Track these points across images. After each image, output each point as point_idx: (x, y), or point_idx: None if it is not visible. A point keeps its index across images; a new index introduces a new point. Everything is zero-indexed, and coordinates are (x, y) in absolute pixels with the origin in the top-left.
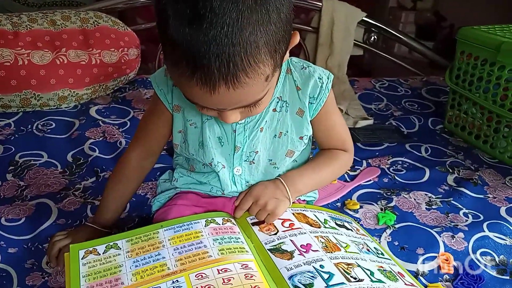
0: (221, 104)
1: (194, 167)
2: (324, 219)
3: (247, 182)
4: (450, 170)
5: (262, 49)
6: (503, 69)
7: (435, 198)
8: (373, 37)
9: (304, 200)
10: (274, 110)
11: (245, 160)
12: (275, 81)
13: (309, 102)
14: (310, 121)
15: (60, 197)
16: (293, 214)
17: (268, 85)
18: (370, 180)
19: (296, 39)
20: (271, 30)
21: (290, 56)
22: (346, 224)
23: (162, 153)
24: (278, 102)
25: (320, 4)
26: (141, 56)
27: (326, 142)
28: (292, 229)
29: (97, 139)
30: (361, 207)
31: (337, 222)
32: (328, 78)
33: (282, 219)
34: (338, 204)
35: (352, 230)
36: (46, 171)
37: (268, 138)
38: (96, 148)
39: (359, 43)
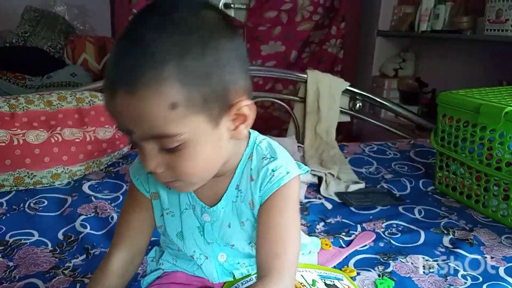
0: (122, 117)
1: (180, 249)
2: (313, 280)
3: (238, 262)
4: (445, 232)
5: (172, 70)
6: (485, 129)
7: (432, 261)
8: (358, 104)
9: None
10: (233, 201)
11: (225, 246)
12: (207, 137)
13: (259, 194)
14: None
15: (49, 277)
16: None
17: (181, 122)
18: (365, 245)
19: (242, 106)
20: (190, 60)
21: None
22: (336, 282)
23: None
24: (236, 191)
25: (305, 76)
26: None
27: (259, 244)
28: None
29: (89, 215)
30: (358, 274)
31: (326, 282)
32: (287, 173)
33: None
34: None
35: None
36: (36, 250)
37: (238, 229)
38: (87, 225)
39: (346, 110)
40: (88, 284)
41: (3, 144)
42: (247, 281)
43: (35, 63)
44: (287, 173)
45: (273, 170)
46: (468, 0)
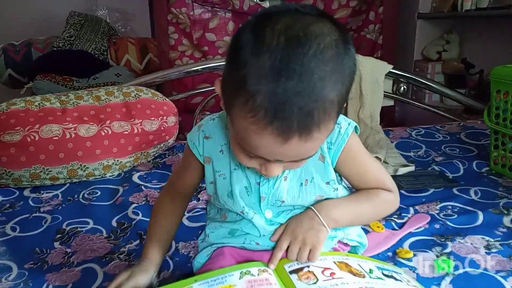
0: (284, 156)
1: (226, 216)
2: (370, 269)
3: (283, 216)
4: (505, 212)
5: (335, 106)
6: None
7: (494, 241)
8: (402, 87)
9: (348, 245)
10: None
11: (272, 205)
12: None
13: (327, 148)
14: (335, 168)
15: (105, 261)
16: (334, 262)
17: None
18: (420, 227)
19: None
20: (343, 90)
21: None
22: (394, 274)
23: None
24: None
25: None
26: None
27: (362, 185)
28: (333, 278)
29: (140, 203)
30: (414, 255)
31: (384, 273)
32: (349, 125)
33: (322, 267)
34: (389, 253)
35: (402, 281)
36: (92, 236)
37: (295, 187)
38: (139, 212)
39: (390, 94)
40: (148, 230)
41: (56, 138)
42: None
43: (82, 66)
44: (349, 124)
45: (337, 124)
46: None
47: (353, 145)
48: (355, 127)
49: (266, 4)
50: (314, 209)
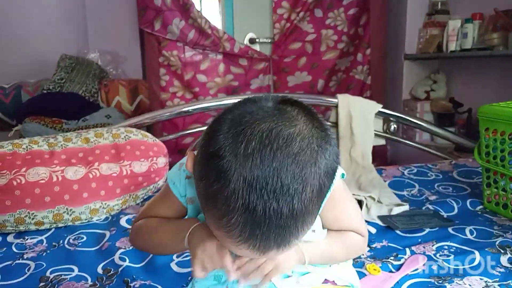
0: (263, 257)
1: None
2: None
3: None
4: (502, 251)
5: (316, 212)
6: None
7: (492, 282)
8: (393, 127)
9: (335, 283)
10: None
11: None
12: None
13: None
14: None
15: None
16: None
17: None
18: (417, 269)
19: None
20: (324, 193)
21: None
22: None
23: None
24: None
25: (336, 100)
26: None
27: (336, 227)
28: None
29: (127, 249)
30: None
31: None
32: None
33: None
34: None
35: None
36: (76, 285)
37: None
38: (126, 258)
39: (380, 133)
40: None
41: (43, 181)
42: None
43: (71, 108)
44: None
45: None
46: (497, 17)
47: (335, 190)
48: (341, 174)
49: (256, 46)
50: None
